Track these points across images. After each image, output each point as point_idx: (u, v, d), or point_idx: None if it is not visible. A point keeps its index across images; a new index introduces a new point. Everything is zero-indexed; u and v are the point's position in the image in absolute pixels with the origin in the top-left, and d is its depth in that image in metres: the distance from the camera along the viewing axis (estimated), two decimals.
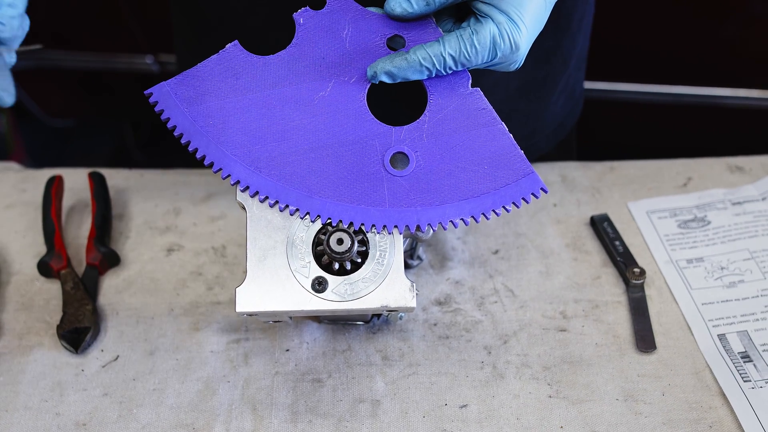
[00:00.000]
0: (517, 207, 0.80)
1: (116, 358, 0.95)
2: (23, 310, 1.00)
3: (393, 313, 0.88)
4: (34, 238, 1.07)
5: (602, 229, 1.06)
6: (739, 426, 0.86)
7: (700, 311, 0.97)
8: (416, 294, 0.81)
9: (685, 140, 1.72)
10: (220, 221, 1.09)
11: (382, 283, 0.81)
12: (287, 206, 0.81)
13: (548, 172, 1.14)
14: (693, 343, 0.95)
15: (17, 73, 0.84)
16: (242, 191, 0.82)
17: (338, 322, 0.97)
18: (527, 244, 1.06)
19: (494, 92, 0.95)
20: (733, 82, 1.64)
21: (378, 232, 0.81)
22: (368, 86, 0.81)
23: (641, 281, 1.00)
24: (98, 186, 1.08)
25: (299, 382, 0.92)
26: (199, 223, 1.09)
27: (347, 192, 0.81)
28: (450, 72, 0.79)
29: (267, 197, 0.81)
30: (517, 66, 0.80)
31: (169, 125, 0.81)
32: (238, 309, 0.80)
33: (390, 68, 0.78)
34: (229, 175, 0.81)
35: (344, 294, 0.80)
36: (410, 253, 1.00)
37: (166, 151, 1.47)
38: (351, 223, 0.81)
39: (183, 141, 0.81)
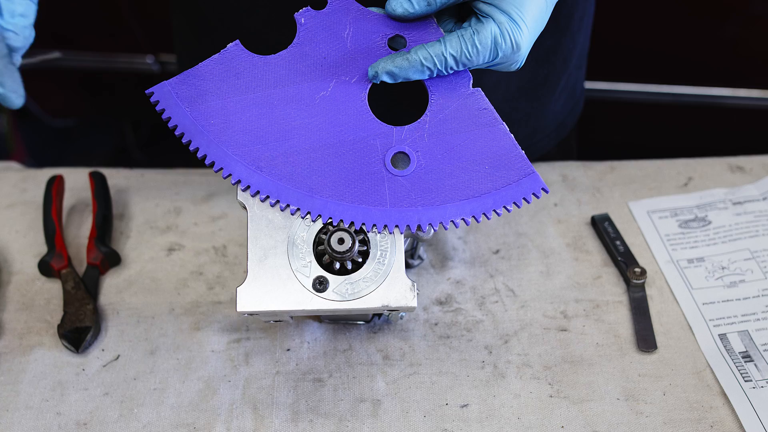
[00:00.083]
0: (518, 207, 0.80)
1: (117, 358, 0.95)
2: (24, 309, 1.00)
3: (394, 312, 0.88)
4: (34, 237, 1.07)
5: (603, 228, 1.06)
6: (740, 426, 0.86)
7: (701, 311, 0.97)
8: (417, 294, 0.81)
9: (685, 140, 1.72)
10: (220, 221, 1.09)
11: (383, 282, 0.81)
12: (288, 206, 0.81)
13: (549, 171, 1.14)
14: (694, 342, 0.95)
15: None
16: (243, 191, 0.82)
17: (339, 322, 0.97)
18: (528, 243, 1.05)
19: (495, 92, 0.95)
20: (733, 82, 1.64)
21: (379, 232, 0.81)
22: (369, 86, 0.81)
23: (642, 281, 1.00)
24: (99, 185, 1.08)
25: (300, 382, 0.92)
26: (200, 223, 1.09)
27: (348, 192, 0.81)
28: (451, 72, 0.79)
29: (268, 197, 0.81)
30: (518, 66, 0.80)
31: (170, 125, 0.81)
32: (239, 308, 0.80)
33: (391, 68, 0.78)
34: (230, 175, 0.81)
35: (345, 293, 0.80)
36: (411, 253, 1.00)
37: (167, 150, 1.48)
38: (352, 223, 0.81)
39: (184, 140, 0.81)
